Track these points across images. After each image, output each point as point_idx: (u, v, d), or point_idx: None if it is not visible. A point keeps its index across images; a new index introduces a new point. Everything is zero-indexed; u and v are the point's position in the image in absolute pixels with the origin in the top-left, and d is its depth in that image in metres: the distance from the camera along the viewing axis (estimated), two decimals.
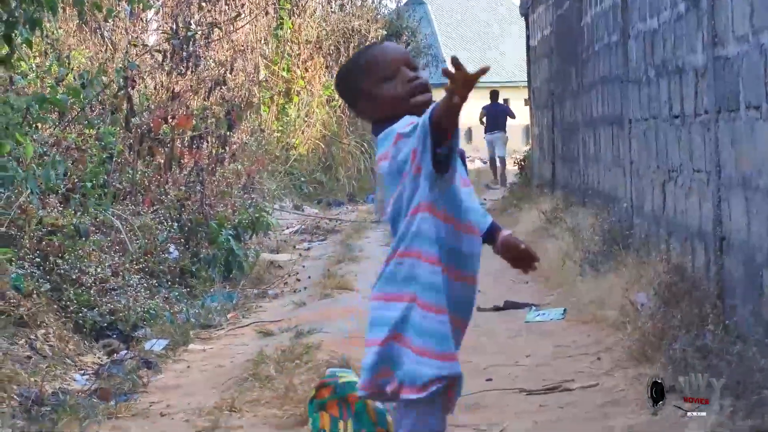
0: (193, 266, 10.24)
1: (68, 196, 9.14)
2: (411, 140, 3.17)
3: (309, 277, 11.16)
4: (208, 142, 12.60)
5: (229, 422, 5.72)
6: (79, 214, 8.90)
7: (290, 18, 22.78)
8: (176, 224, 10.42)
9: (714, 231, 6.37)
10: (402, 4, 33.84)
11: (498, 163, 24.64)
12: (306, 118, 22.51)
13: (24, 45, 7.93)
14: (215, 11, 16.29)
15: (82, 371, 7.23)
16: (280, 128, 21.86)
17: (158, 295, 9.10)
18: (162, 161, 11.30)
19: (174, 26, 13.63)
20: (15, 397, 6.25)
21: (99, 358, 7.61)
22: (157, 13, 14.64)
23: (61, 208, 8.86)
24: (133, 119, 10.87)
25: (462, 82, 3.01)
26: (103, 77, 10.06)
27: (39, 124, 9.29)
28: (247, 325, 8.78)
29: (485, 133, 24.81)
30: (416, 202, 3.21)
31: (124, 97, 10.78)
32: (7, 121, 7.82)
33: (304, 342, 7.29)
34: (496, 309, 8.73)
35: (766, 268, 5.44)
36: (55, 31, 12.56)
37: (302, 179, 21.29)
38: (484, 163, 25.18)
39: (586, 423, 5.39)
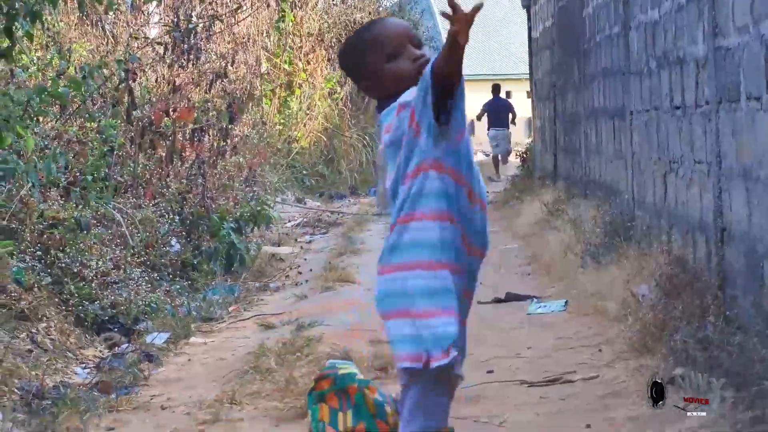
0: (194, 259, 10.23)
1: (69, 190, 9.13)
2: (411, 104, 3.15)
3: (311, 270, 11.15)
4: (209, 135, 12.59)
5: (230, 415, 5.72)
6: (80, 207, 8.89)
7: (292, 10, 22.75)
8: (178, 217, 10.41)
9: (715, 222, 6.36)
10: None
11: (499, 158, 24.61)
12: (308, 111, 22.50)
13: (25, 38, 7.92)
14: (216, 4, 16.25)
15: (84, 365, 7.23)
16: (281, 121, 21.85)
17: (159, 288, 9.10)
18: (163, 154, 11.30)
19: (175, 19, 13.61)
20: (16, 390, 6.24)
21: (100, 351, 7.61)
22: (158, 5, 14.59)
23: (62, 202, 8.86)
24: (134, 112, 10.86)
25: (464, 21, 2.98)
26: (104, 70, 10.04)
27: (40, 118, 9.28)
28: (248, 318, 8.77)
29: (488, 128, 24.73)
30: (416, 162, 3.16)
31: (126, 89, 10.77)
32: (8, 114, 7.81)
33: (306, 335, 7.29)
34: (498, 301, 8.73)
35: (767, 259, 5.44)
36: (56, 24, 12.55)
37: (304, 172, 21.28)
38: (487, 155, 25.15)
39: (587, 415, 5.38)
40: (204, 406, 5.92)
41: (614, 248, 8.42)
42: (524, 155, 19.82)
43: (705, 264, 6.60)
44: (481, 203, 3.27)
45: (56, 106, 9.67)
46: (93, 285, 8.18)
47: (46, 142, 9.05)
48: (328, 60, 23.19)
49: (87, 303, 7.99)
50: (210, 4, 15.42)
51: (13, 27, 7.49)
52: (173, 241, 10.12)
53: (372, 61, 3.30)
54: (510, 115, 24.45)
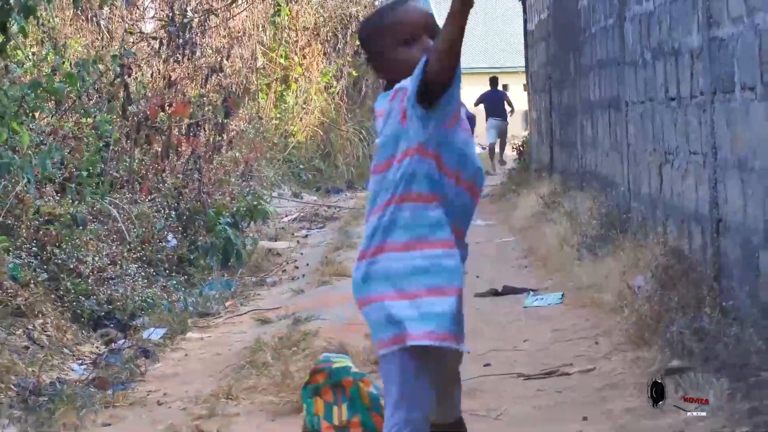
0: (191, 254, 10.22)
1: (65, 185, 9.12)
2: (404, 89, 3.15)
3: (307, 265, 11.15)
4: (205, 129, 12.57)
5: (226, 410, 5.72)
6: (76, 203, 8.88)
7: (287, 4, 22.70)
8: (174, 212, 10.40)
9: (710, 213, 6.35)
10: None
11: (497, 149, 24.60)
12: (304, 105, 22.46)
13: (19, 33, 7.91)
14: None
15: (80, 361, 7.23)
16: (278, 115, 21.82)
17: (156, 283, 9.09)
18: (159, 149, 11.27)
19: (170, 13, 13.58)
20: (12, 387, 6.25)
21: (97, 347, 7.61)
22: (153, 0, 14.58)
23: (58, 198, 8.84)
24: (129, 107, 10.85)
25: None
26: (99, 65, 10.03)
27: (35, 113, 9.26)
28: (245, 313, 8.77)
29: (486, 119, 24.74)
30: (405, 147, 3.16)
31: (121, 85, 10.76)
32: (2, 110, 7.80)
33: (302, 329, 7.28)
34: (495, 293, 8.72)
35: (763, 250, 5.43)
36: (51, 20, 12.53)
37: (301, 166, 21.26)
38: (483, 149, 25.13)
39: (585, 407, 5.37)
40: (200, 401, 5.92)
41: (610, 240, 8.42)
42: (521, 148, 19.82)
43: (701, 255, 6.60)
44: (471, 187, 3.26)
45: (51, 101, 9.66)
46: (89, 281, 8.17)
47: (42, 138, 9.04)
48: (324, 54, 23.16)
49: (83, 299, 7.98)
50: None
51: (7, 22, 7.47)
52: (169, 237, 10.11)
53: (386, 44, 3.29)
54: (508, 107, 24.48)
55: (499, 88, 25.47)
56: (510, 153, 23.29)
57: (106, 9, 13.88)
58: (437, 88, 3.10)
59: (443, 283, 3.15)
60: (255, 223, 12.56)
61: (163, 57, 13.07)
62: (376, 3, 26.06)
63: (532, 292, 8.58)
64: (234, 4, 17.74)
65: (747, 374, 4.87)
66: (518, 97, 25.53)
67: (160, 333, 7.87)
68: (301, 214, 16.67)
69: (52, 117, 9.73)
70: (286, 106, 22.16)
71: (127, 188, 10.43)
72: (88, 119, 10.18)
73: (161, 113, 11.39)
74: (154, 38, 13.44)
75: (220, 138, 12.84)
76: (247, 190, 12.65)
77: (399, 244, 3.18)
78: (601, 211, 9.41)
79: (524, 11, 18.53)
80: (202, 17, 14.69)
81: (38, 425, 5.67)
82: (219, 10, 16.53)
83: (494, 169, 23.56)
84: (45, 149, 8.40)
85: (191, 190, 10.99)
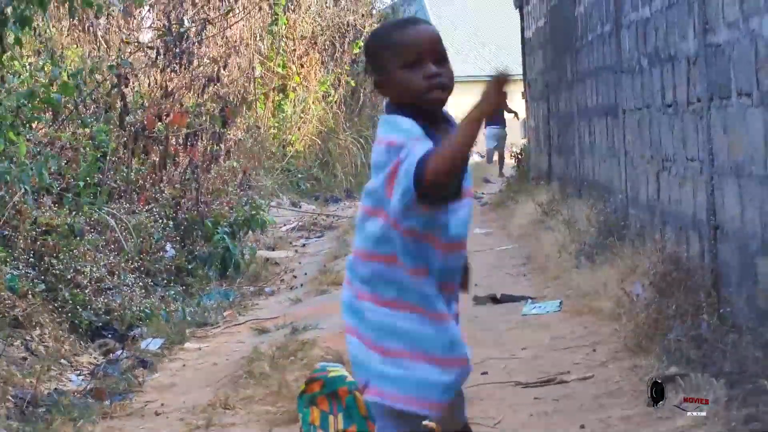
0: (189, 264, 10.22)
1: (62, 196, 9.12)
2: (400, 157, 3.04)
3: (305, 274, 11.14)
4: (203, 139, 12.58)
5: (223, 420, 5.71)
6: (73, 213, 8.88)
7: (285, 13, 22.73)
8: (172, 222, 10.40)
9: (708, 219, 6.34)
10: None
11: (495, 157, 24.58)
12: (302, 114, 22.47)
13: (15, 44, 7.90)
14: (209, 7, 16.25)
15: (78, 371, 7.22)
16: (276, 125, 21.83)
17: (154, 294, 9.09)
18: (156, 159, 11.29)
19: (167, 23, 13.60)
20: (10, 398, 6.24)
21: (95, 358, 7.60)
22: (150, 9, 14.59)
23: (55, 208, 8.84)
24: (127, 117, 10.86)
25: (495, 95, 2.94)
26: (96, 75, 10.03)
27: (33, 123, 9.26)
28: (243, 323, 8.76)
29: (485, 126, 24.73)
30: (391, 217, 3.08)
31: (118, 95, 10.77)
32: None
33: (299, 338, 7.26)
34: (493, 299, 8.71)
35: (761, 256, 5.42)
36: (48, 30, 12.54)
37: (299, 176, 21.26)
38: (482, 157, 25.13)
39: (582, 415, 5.36)
40: (198, 411, 5.91)
41: (608, 247, 8.41)
42: (519, 156, 19.82)
43: (698, 262, 6.58)
44: (460, 247, 3.18)
45: (48, 111, 9.66)
46: (87, 291, 8.16)
47: (39, 149, 9.04)
48: (322, 63, 23.18)
49: (81, 309, 7.97)
50: (202, 8, 15.42)
51: (4, 32, 7.47)
52: (167, 247, 10.11)
53: (388, 63, 3.19)
54: (511, 114, 24.39)
55: None
56: (508, 161, 23.27)
57: (103, 19, 13.90)
58: (435, 199, 2.98)
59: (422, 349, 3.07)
60: (253, 232, 12.56)
61: (160, 67, 13.08)
62: (373, 12, 26.10)
63: (530, 300, 8.57)
64: (231, 14, 17.75)
65: (744, 381, 4.86)
66: (515, 105, 25.49)
67: (158, 343, 7.86)
68: (300, 223, 16.67)
69: (49, 127, 9.73)
70: (284, 115, 22.16)
71: (125, 198, 10.44)
72: (86, 129, 10.19)
73: (158, 123, 11.40)
74: (151, 48, 13.44)
75: (217, 147, 12.85)
76: (245, 199, 12.65)
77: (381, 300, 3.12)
78: (599, 218, 9.40)
79: (522, 19, 18.54)
80: (199, 27, 14.71)
81: None
82: (216, 20, 16.54)
83: (492, 175, 23.57)
84: (41, 159, 8.40)
85: (189, 200, 10.99)
